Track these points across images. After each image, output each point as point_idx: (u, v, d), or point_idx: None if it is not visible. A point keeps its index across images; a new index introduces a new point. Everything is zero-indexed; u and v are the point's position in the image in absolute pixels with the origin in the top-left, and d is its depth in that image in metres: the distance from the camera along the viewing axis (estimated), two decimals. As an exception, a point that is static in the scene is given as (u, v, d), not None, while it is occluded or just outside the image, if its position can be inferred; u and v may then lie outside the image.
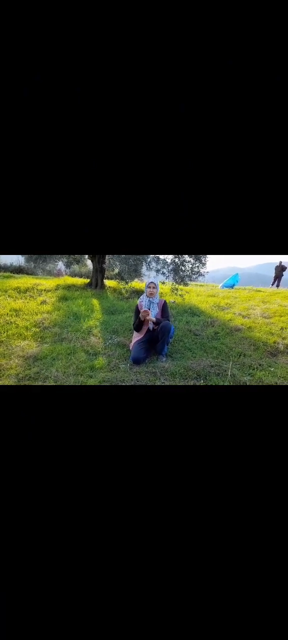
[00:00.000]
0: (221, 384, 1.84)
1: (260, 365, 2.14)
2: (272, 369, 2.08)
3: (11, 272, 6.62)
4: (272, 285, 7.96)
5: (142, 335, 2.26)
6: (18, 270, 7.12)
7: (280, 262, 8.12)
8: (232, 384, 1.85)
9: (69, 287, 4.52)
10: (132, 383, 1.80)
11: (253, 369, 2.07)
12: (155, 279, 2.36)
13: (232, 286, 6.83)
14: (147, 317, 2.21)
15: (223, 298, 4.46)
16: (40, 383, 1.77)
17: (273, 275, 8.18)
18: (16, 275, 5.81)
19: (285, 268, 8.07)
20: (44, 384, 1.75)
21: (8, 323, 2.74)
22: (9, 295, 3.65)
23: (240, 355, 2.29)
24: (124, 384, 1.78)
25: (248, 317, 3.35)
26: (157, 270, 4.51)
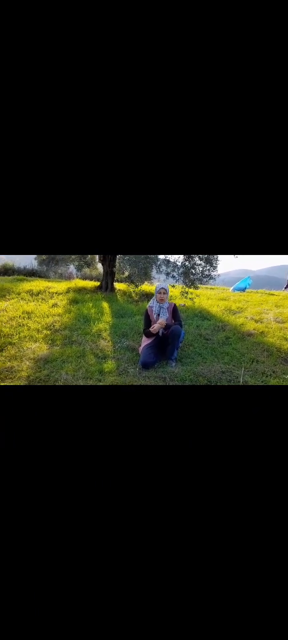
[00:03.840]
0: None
1: (273, 372, 2.06)
2: (287, 377, 2.00)
3: (24, 275, 6.80)
4: (285, 288, 7.71)
5: (151, 340, 2.24)
6: (31, 274, 7.30)
7: (294, 265, 7.87)
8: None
9: (79, 290, 4.58)
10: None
11: (267, 376, 2.00)
12: (165, 284, 2.33)
13: (243, 289, 6.68)
14: (158, 323, 2.19)
15: (235, 302, 4.37)
16: (50, 384, 1.79)
17: (287, 278, 7.94)
18: (29, 278, 5.96)
19: (300, 271, 7.81)
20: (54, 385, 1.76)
21: (20, 325, 2.80)
22: (21, 298, 3.74)
23: (252, 362, 2.22)
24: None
25: (261, 322, 3.25)
26: (167, 274, 4.47)
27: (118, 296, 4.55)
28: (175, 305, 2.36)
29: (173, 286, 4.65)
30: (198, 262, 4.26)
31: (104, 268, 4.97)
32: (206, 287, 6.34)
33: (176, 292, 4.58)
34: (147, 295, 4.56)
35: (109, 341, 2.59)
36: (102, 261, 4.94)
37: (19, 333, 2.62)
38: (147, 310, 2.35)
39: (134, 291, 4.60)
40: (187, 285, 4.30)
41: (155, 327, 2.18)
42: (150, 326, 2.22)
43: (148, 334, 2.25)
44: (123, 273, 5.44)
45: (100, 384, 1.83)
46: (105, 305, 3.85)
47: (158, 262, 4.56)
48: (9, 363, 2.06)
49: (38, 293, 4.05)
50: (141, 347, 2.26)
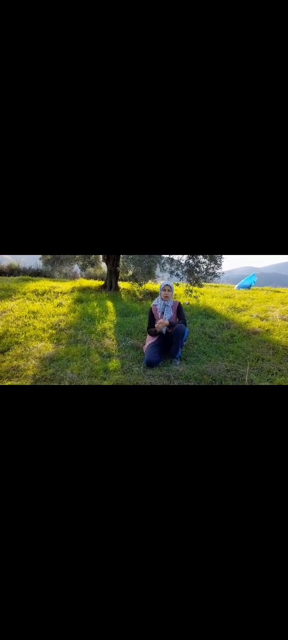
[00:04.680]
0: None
1: (279, 370, 2.04)
2: (293, 375, 1.98)
3: (30, 275, 6.88)
4: (292, 285, 7.59)
5: (155, 338, 2.24)
6: (36, 274, 7.38)
7: (301, 262, 7.75)
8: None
9: (84, 290, 4.61)
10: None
11: (273, 374, 1.98)
12: (169, 282, 2.33)
13: (248, 287, 6.61)
14: (162, 323, 2.19)
15: (240, 299, 4.33)
16: (55, 384, 1.81)
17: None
18: (34, 278, 6.03)
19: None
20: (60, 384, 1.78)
21: (26, 325, 2.84)
22: (27, 298, 3.79)
23: (258, 360, 2.20)
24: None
25: (267, 320, 3.22)
26: (171, 272, 4.46)
27: (122, 295, 4.57)
28: (179, 303, 2.35)
29: (177, 284, 4.64)
30: (203, 260, 4.24)
31: (108, 267, 4.98)
32: (210, 285, 6.30)
33: (180, 290, 4.57)
34: (151, 294, 4.56)
35: (113, 340, 2.60)
36: (106, 260, 4.96)
37: (25, 332, 2.65)
38: (151, 309, 2.35)
39: (138, 290, 4.61)
40: (191, 284, 4.28)
41: (158, 326, 2.18)
42: (155, 325, 2.23)
43: (152, 333, 2.26)
44: (127, 272, 5.44)
45: (105, 382, 1.84)
46: (109, 304, 3.86)
47: (162, 261, 4.55)
48: (15, 362, 2.10)
49: (43, 293, 4.09)
50: (145, 346, 2.27)
